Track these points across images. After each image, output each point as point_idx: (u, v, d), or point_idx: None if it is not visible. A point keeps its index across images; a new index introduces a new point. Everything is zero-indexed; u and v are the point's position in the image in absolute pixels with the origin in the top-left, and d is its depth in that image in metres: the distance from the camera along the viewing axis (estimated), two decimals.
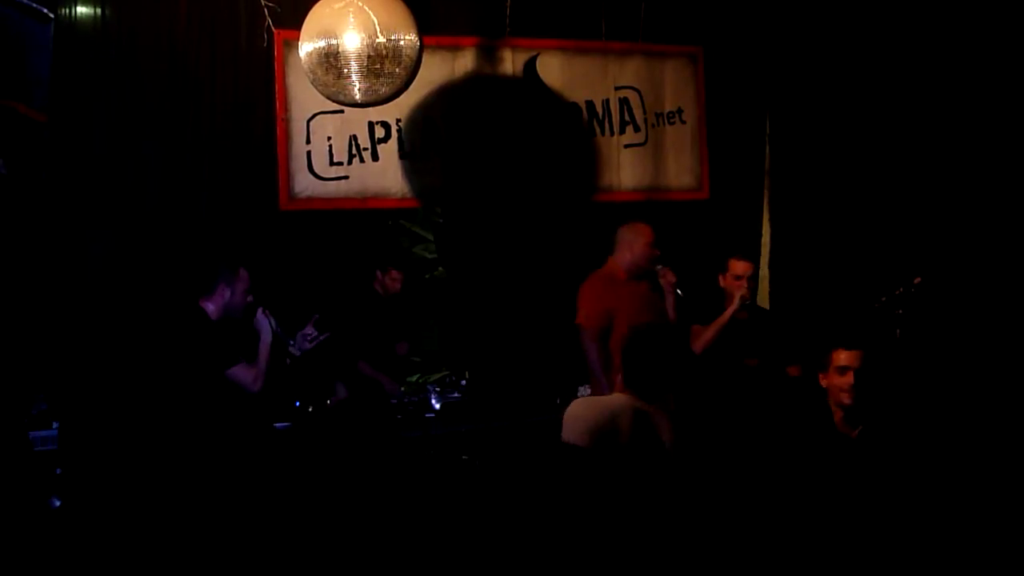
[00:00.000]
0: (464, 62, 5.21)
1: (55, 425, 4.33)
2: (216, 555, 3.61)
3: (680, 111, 5.68)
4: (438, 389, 4.89)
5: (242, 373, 4.04)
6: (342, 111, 4.80)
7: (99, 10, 4.57)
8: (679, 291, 4.81)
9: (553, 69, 5.37)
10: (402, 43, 4.01)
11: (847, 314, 5.12)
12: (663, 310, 4.80)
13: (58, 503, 4.12)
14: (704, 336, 4.75)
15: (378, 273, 5.13)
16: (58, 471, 4.19)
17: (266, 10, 4.75)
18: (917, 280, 5.00)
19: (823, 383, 3.58)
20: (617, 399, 3.50)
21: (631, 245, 4.81)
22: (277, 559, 3.78)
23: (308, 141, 4.89)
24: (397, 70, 4.05)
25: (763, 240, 5.89)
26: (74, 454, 4.19)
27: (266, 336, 4.11)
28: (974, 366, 4.97)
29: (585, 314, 4.68)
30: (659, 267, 4.81)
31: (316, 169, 4.91)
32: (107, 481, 4.07)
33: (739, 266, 4.87)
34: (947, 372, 4.98)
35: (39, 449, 4.16)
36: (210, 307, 4.06)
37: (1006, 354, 5.02)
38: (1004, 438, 4.16)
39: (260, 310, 4.16)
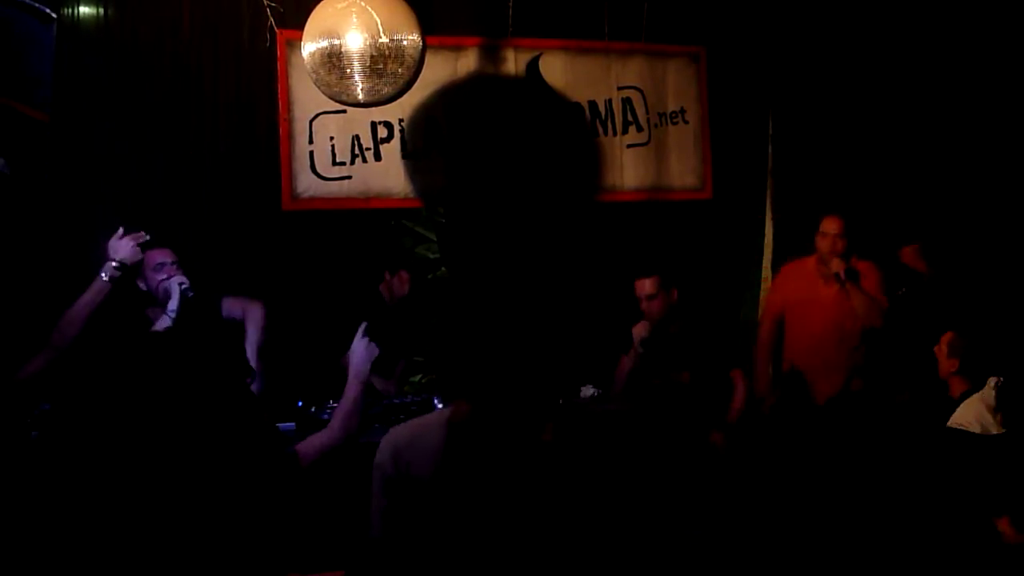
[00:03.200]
0: (467, 62, 5.21)
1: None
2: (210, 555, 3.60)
3: (683, 111, 5.67)
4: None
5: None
6: (344, 111, 4.79)
7: (101, 10, 4.57)
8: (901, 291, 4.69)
9: (555, 69, 5.37)
10: (405, 43, 4.01)
11: None
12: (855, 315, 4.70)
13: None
14: (622, 368, 4.72)
15: (387, 274, 5.10)
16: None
17: (268, 10, 4.75)
18: (902, 291, 5.01)
19: None
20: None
21: (820, 229, 4.77)
22: (274, 559, 3.77)
23: (311, 141, 4.89)
24: (400, 70, 4.05)
25: (765, 240, 5.88)
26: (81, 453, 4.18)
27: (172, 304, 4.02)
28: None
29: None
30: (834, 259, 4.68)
31: (319, 169, 4.91)
32: (109, 479, 4.06)
33: (643, 286, 4.75)
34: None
35: None
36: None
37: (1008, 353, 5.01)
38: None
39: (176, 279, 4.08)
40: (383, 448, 3.07)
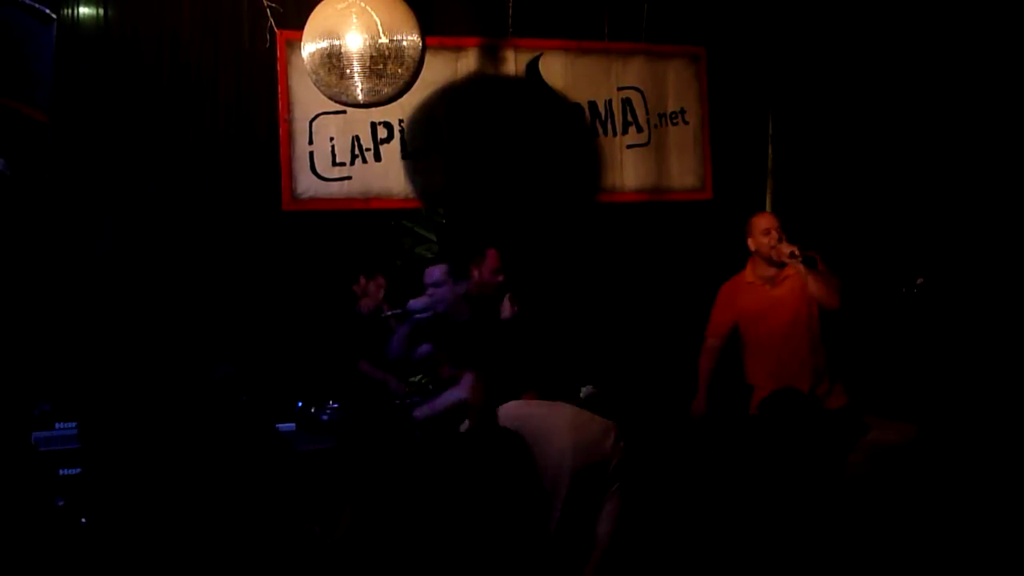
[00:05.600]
0: (467, 62, 5.21)
1: (57, 426, 4.33)
2: (224, 555, 3.61)
3: (683, 111, 5.67)
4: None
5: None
6: (344, 111, 4.80)
7: (102, 10, 4.57)
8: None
9: (556, 69, 5.37)
10: (405, 44, 4.01)
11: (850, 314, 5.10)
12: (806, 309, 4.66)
13: (61, 502, 4.12)
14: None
15: (362, 279, 5.03)
16: (63, 471, 4.17)
17: (268, 11, 4.75)
18: (920, 280, 5.00)
19: None
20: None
21: (750, 236, 4.75)
22: (280, 559, 3.78)
23: (311, 141, 4.89)
24: (400, 71, 4.05)
25: None
26: (92, 453, 4.20)
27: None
28: (976, 365, 4.97)
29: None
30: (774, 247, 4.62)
31: (319, 169, 4.91)
32: (123, 480, 4.07)
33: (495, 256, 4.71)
34: (951, 370, 4.98)
35: (42, 450, 4.16)
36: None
37: (1007, 353, 5.01)
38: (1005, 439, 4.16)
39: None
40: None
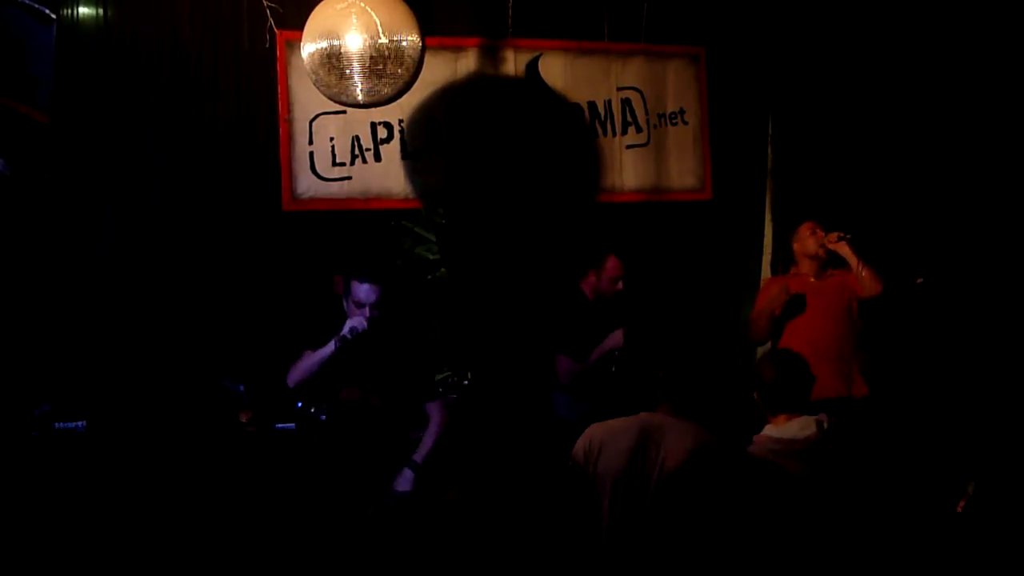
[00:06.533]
0: (466, 63, 5.21)
1: (57, 426, 4.34)
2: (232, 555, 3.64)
3: (682, 112, 5.67)
4: (440, 390, 4.87)
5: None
6: (344, 112, 4.79)
7: (101, 11, 4.57)
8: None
9: (555, 70, 5.37)
10: (404, 44, 4.01)
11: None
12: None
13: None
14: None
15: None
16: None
17: (268, 11, 4.75)
18: (919, 280, 5.02)
19: None
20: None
21: (797, 241, 4.93)
22: (282, 559, 3.80)
23: (311, 142, 4.89)
24: (399, 71, 4.05)
25: (765, 241, 5.89)
26: (101, 453, 4.21)
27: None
28: (975, 366, 4.98)
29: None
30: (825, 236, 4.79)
31: (319, 170, 4.91)
32: (131, 480, 4.08)
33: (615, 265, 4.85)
34: (950, 370, 4.99)
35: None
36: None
37: (1007, 354, 5.02)
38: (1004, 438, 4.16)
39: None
40: (581, 440, 3.53)
